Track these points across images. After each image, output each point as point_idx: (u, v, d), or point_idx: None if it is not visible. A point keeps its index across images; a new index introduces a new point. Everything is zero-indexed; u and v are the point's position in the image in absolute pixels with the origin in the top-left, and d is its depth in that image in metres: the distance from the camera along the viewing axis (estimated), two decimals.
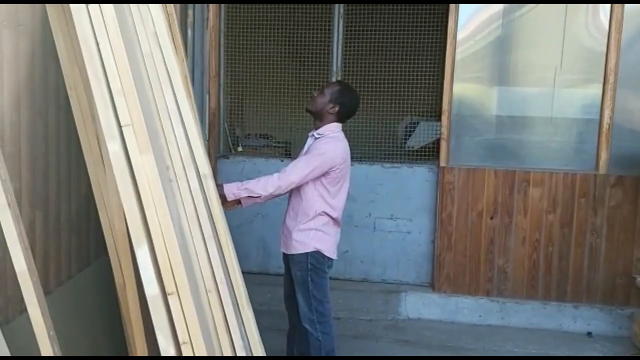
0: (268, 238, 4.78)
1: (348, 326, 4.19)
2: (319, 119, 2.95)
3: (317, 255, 2.93)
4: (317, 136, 2.94)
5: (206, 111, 4.58)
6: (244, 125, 5.24)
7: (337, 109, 2.91)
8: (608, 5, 4.02)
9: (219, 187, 2.74)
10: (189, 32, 4.24)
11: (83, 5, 1.99)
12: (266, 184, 2.79)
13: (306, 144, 3.02)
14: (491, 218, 4.20)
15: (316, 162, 2.82)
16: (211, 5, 4.47)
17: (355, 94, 3.03)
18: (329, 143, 2.88)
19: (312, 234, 2.92)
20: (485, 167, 4.22)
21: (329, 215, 2.93)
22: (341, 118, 2.97)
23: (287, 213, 3.03)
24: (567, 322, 4.18)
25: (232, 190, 2.80)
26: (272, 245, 4.78)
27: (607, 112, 4.07)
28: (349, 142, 4.78)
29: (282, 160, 4.76)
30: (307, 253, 2.91)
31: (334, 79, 4.67)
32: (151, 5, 2.33)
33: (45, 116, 2.56)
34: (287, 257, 3.05)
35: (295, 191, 2.94)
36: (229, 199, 2.80)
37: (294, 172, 2.81)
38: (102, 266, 2.91)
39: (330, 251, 2.98)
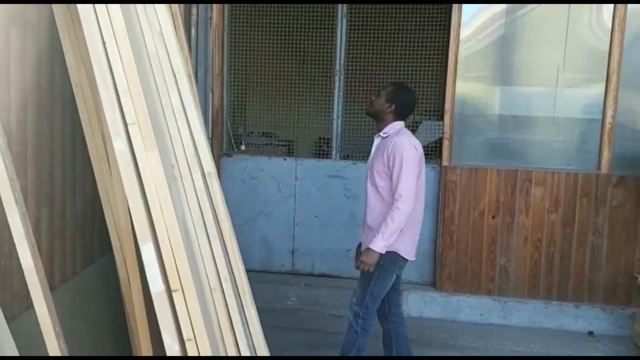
0: (271, 236, 4.80)
1: None
2: (378, 120, 3.06)
3: (393, 255, 2.94)
4: (383, 136, 3.03)
5: (209, 109, 4.61)
6: (247, 124, 5.26)
7: (393, 107, 3.00)
8: (611, 5, 4.03)
9: (369, 252, 2.86)
10: (193, 30, 4.26)
11: (90, 6, 2.01)
12: (400, 217, 2.84)
13: (374, 145, 3.11)
14: (493, 217, 4.21)
15: (409, 167, 2.87)
16: (215, 4, 4.49)
17: (410, 91, 3.12)
18: (400, 142, 2.90)
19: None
20: (487, 166, 4.23)
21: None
22: (400, 115, 3.04)
23: (367, 212, 3.05)
24: (568, 321, 4.19)
25: (382, 244, 2.86)
26: (275, 243, 4.81)
27: (609, 112, 4.08)
28: (353, 140, 4.86)
29: (285, 159, 4.79)
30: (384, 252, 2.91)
31: (337, 78, 4.69)
32: (157, 5, 2.35)
33: (51, 115, 2.58)
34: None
35: (373, 192, 2.99)
36: (383, 252, 2.87)
37: (406, 191, 2.85)
38: (107, 263, 2.93)
39: (406, 251, 3.00)
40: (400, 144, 2.90)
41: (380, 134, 3.05)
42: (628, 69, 4.07)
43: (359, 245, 3.17)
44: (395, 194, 2.87)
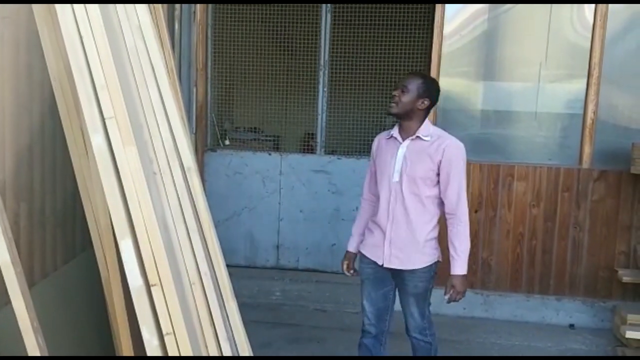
0: (255, 231, 4.80)
1: (335, 318, 4.22)
2: (408, 118, 2.63)
3: (437, 263, 2.74)
4: (425, 139, 2.61)
5: (193, 104, 4.59)
6: (233, 119, 5.26)
7: (427, 102, 2.62)
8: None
9: (460, 279, 2.62)
10: (176, 25, 4.24)
11: None
12: (466, 234, 2.64)
13: (403, 147, 2.64)
14: (476, 211, 4.24)
15: (464, 173, 2.64)
16: None
17: (436, 80, 2.82)
18: (457, 146, 2.62)
19: (435, 242, 2.70)
20: (470, 161, 4.19)
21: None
22: (428, 111, 2.69)
23: (396, 223, 2.66)
24: (550, 314, 4.24)
25: (463, 268, 2.64)
26: (260, 238, 4.82)
27: (590, 107, 4.12)
28: (336, 135, 4.88)
29: (270, 154, 4.79)
30: (432, 264, 2.70)
31: (321, 73, 4.70)
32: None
33: (30, 108, 2.56)
34: (391, 271, 2.73)
35: (416, 201, 2.63)
36: (465, 273, 2.65)
37: (465, 201, 2.63)
38: (88, 258, 2.91)
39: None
40: (458, 148, 2.61)
41: (420, 135, 2.62)
42: (609, 65, 4.10)
43: (356, 256, 2.88)
44: (460, 207, 2.60)
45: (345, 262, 2.90)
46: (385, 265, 2.69)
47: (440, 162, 2.58)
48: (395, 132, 2.70)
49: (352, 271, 2.89)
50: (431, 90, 2.66)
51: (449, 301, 2.67)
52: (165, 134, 2.29)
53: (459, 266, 2.62)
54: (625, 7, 4.09)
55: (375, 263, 2.73)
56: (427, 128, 2.65)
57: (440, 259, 2.75)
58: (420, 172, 2.60)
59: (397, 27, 4.64)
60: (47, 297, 2.62)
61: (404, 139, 2.66)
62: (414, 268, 2.67)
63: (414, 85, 2.61)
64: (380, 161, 2.73)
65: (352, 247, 2.90)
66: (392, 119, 4.88)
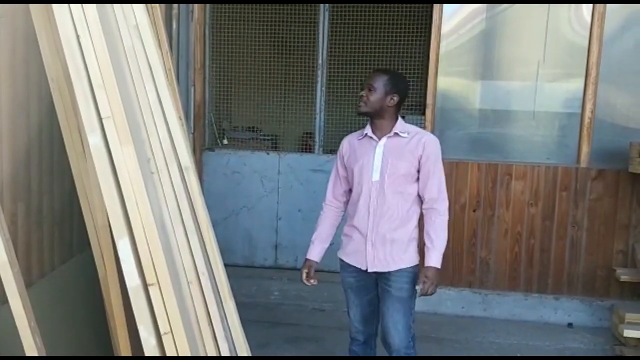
0: (254, 231, 4.80)
1: (333, 318, 4.22)
2: (379, 117, 2.57)
3: (418, 266, 2.63)
4: (403, 136, 2.57)
5: (191, 104, 4.59)
6: (231, 118, 5.26)
7: (396, 98, 2.56)
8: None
9: (436, 271, 2.51)
10: (174, 24, 4.24)
11: None
12: (444, 227, 2.57)
13: (379, 146, 2.57)
14: (474, 211, 4.24)
15: (442, 167, 2.62)
16: None
17: (402, 75, 2.75)
18: (435, 141, 2.61)
19: (416, 244, 2.63)
20: (468, 160, 4.25)
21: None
22: (400, 106, 2.62)
23: (378, 224, 2.57)
24: (548, 313, 4.24)
25: (439, 260, 2.53)
26: (258, 238, 4.81)
27: (588, 106, 4.12)
28: (334, 135, 4.88)
29: (268, 154, 4.79)
30: (416, 265, 2.61)
31: (319, 72, 4.70)
32: None
33: (28, 108, 2.56)
34: (375, 277, 2.64)
35: (400, 199, 2.57)
36: (439, 267, 2.54)
37: (445, 195, 2.60)
38: (86, 258, 2.91)
39: None
40: (436, 142, 2.59)
41: (398, 132, 2.57)
42: (607, 64, 4.11)
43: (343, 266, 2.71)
44: (440, 200, 2.55)
45: (305, 271, 2.72)
46: (369, 270, 2.59)
47: (421, 156, 2.55)
48: (368, 131, 2.62)
49: (312, 280, 2.72)
50: (398, 85, 2.58)
51: (420, 294, 2.53)
52: (162, 134, 2.29)
53: (434, 258, 2.51)
54: (623, 6, 4.10)
55: (357, 269, 2.63)
56: (401, 125, 2.60)
57: (418, 262, 2.65)
58: (402, 169, 2.54)
59: (395, 26, 4.64)
60: (44, 297, 2.61)
61: (379, 138, 2.59)
62: (399, 268, 2.57)
63: (380, 83, 2.55)
64: (354, 162, 2.62)
65: (312, 255, 2.75)
66: None
